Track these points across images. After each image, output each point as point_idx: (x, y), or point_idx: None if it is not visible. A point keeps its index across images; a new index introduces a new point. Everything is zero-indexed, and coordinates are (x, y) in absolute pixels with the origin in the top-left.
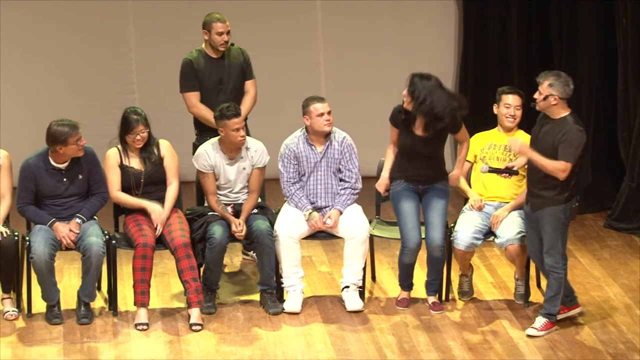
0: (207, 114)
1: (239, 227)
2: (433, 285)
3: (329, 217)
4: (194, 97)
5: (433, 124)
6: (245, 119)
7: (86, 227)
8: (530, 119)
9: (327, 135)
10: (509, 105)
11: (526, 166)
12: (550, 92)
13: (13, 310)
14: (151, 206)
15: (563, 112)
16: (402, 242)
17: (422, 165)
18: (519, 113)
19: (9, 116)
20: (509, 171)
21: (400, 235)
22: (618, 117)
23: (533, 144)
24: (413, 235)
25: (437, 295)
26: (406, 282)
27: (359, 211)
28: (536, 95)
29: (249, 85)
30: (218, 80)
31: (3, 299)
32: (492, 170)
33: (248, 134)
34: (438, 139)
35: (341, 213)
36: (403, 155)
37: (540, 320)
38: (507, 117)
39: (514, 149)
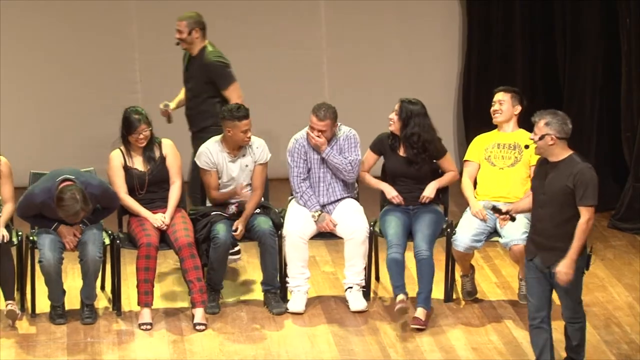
0: None
1: (234, 227)
2: (420, 297)
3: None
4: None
5: (415, 147)
6: None
7: (86, 232)
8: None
9: (333, 136)
10: (494, 101)
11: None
12: (547, 131)
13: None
14: (152, 217)
15: (565, 153)
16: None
17: (411, 188)
18: (503, 108)
19: (11, 118)
20: (510, 216)
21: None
22: (621, 117)
23: (538, 190)
24: (394, 233)
25: (424, 311)
26: (399, 282)
27: (359, 212)
28: (532, 136)
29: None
30: (185, 79)
31: (8, 308)
32: (495, 211)
33: None
34: (423, 161)
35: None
36: (391, 179)
37: None
38: (493, 113)
39: (562, 282)
